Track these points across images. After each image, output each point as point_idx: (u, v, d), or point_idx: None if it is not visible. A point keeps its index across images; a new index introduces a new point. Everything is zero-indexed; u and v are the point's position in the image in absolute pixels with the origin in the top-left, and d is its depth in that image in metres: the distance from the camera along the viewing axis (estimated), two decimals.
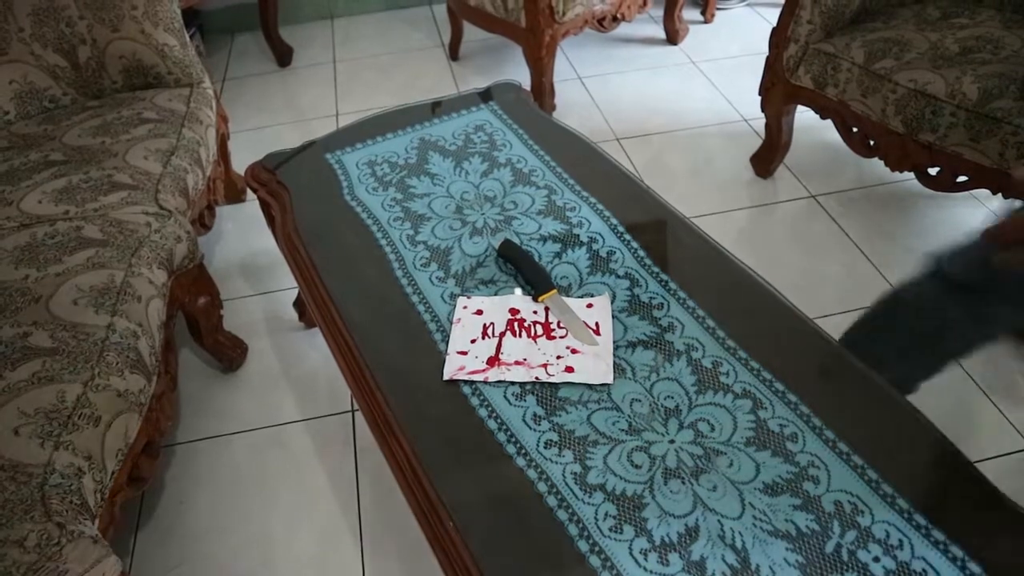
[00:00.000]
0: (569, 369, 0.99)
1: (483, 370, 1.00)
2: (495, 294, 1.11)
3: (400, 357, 1.04)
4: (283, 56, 2.96)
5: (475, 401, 0.97)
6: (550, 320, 1.07)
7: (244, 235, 2.13)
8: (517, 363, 1.01)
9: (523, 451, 0.91)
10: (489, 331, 1.05)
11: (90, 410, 1.11)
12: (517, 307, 1.09)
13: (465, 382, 1.00)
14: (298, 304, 1.81)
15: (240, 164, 2.21)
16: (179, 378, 1.54)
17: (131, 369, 1.21)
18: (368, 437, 1.44)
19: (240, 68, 2.99)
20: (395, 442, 0.96)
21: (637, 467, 0.88)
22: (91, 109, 1.80)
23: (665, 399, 0.95)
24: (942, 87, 1.69)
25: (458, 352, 1.03)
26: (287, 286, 1.94)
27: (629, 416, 0.94)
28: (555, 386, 0.98)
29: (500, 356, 1.02)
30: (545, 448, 0.91)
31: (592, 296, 1.10)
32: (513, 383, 0.99)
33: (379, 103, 2.62)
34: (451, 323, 1.07)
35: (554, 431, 0.93)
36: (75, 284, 1.28)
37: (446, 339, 1.05)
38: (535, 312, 1.08)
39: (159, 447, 1.34)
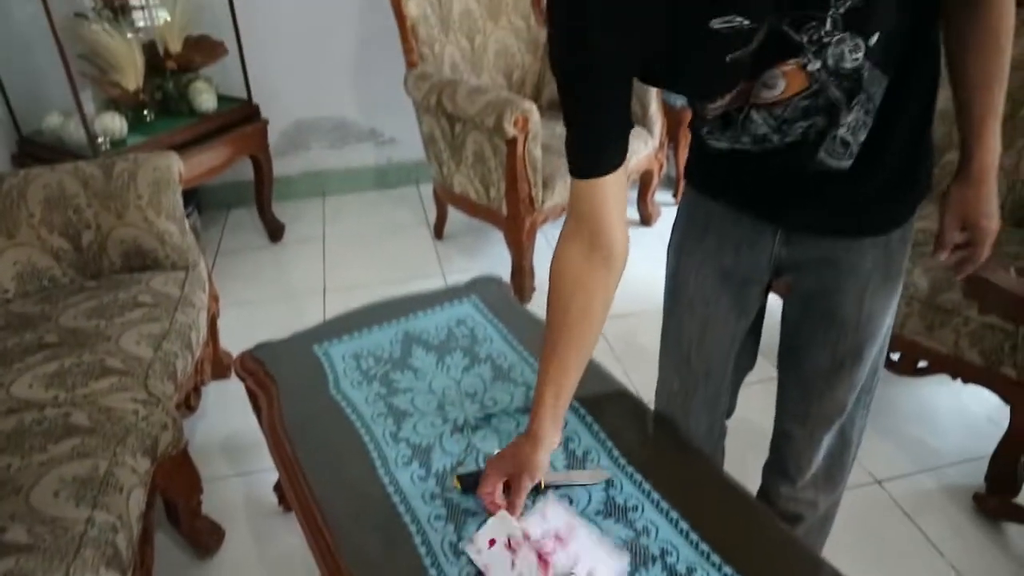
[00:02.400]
0: None
1: None
2: None
3: (379, 560, 1.05)
4: (275, 232, 3.10)
5: None
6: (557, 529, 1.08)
7: (227, 412, 2.15)
8: None
9: None
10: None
11: None
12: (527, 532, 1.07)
13: None
14: (278, 488, 1.81)
15: (228, 338, 2.27)
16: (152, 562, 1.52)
17: (107, 565, 1.20)
18: None
19: (233, 242, 3.11)
20: None
21: None
22: (88, 290, 1.87)
23: None
24: None
25: None
26: (268, 467, 1.94)
27: None
28: None
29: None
30: None
31: (569, 498, 1.13)
32: None
33: (365, 280, 2.73)
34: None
35: None
36: (58, 474, 1.30)
37: (426, 541, 1.07)
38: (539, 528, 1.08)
39: None
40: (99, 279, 1.95)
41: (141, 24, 2.75)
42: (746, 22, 0.82)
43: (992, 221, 1.03)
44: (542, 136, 2.38)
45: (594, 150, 0.97)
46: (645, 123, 2.81)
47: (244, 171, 3.05)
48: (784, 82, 0.89)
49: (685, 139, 3.09)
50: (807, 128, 0.94)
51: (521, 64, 2.96)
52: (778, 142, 0.97)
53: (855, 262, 1.07)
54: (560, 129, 2.60)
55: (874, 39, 0.85)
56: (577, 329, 1.05)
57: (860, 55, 0.86)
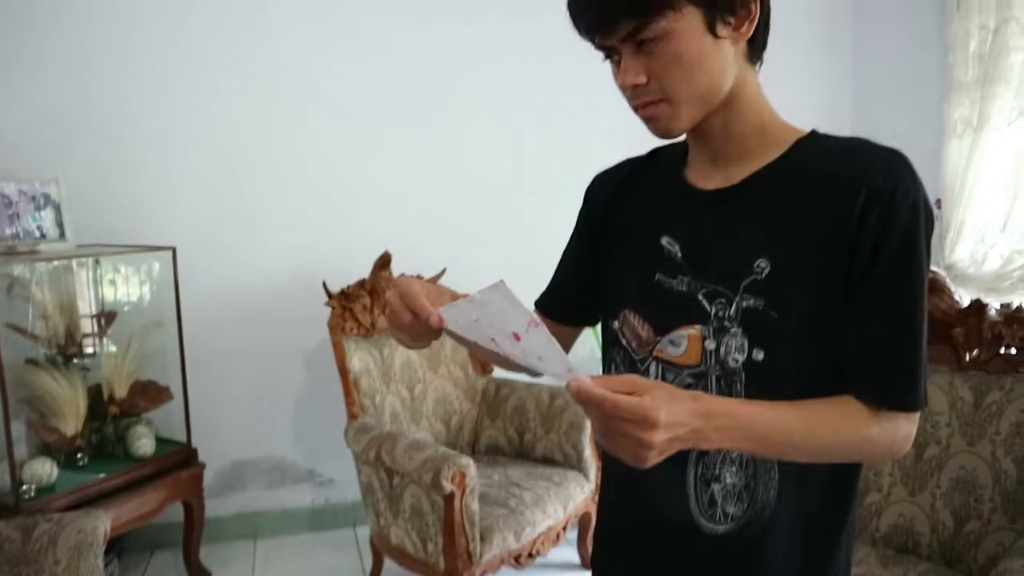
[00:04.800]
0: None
1: None
2: None
3: None
4: None
5: None
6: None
7: None
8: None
9: None
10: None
11: None
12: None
13: None
14: None
15: None
16: None
17: None
18: None
19: None
20: None
21: None
22: None
23: None
24: None
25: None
26: None
27: None
28: None
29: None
30: None
31: None
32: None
33: None
34: None
35: None
36: None
37: None
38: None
39: None
40: None
41: (90, 350, 2.80)
42: (680, 255, 0.96)
43: (653, 431, 0.74)
44: (480, 487, 2.41)
45: (547, 291, 1.20)
46: (580, 467, 2.88)
47: (173, 512, 2.96)
48: (686, 344, 0.96)
49: None
50: None
51: (459, 411, 3.09)
52: None
53: None
54: (497, 476, 2.69)
55: (759, 355, 0.90)
56: None
57: (741, 359, 0.91)
